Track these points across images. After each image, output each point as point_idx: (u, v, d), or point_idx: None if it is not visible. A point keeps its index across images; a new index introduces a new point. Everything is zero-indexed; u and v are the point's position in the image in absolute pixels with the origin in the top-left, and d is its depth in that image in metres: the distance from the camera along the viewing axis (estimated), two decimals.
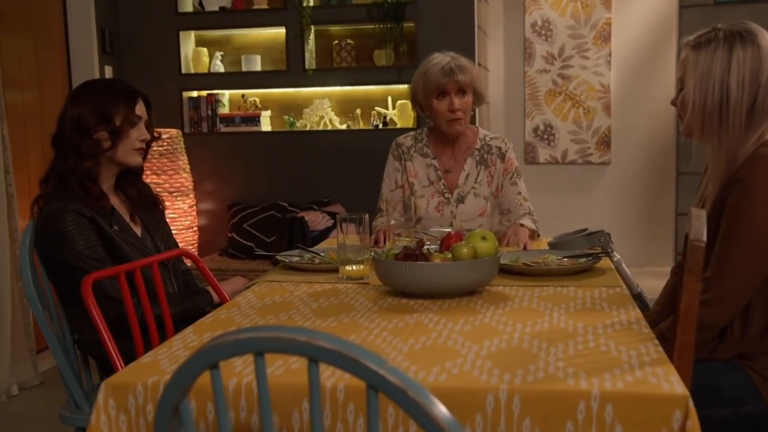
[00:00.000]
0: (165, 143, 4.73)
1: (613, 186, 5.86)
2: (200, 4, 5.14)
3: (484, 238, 1.95)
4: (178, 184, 4.78)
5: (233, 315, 1.81)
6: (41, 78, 4.52)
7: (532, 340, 1.54)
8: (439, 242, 2.14)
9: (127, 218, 2.45)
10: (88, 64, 4.79)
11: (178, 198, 4.78)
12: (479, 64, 4.95)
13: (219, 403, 1.07)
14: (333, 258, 2.35)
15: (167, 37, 5.06)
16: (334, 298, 1.96)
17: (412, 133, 3.14)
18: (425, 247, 2.00)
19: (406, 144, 3.09)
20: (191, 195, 4.89)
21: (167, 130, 4.80)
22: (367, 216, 2.18)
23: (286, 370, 1.38)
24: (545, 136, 5.88)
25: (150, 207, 2.56)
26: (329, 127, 5.01)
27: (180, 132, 4.89)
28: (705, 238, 1.38)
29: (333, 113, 5.02)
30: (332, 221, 4.66)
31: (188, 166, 4.89)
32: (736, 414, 1.89)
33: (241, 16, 5.03)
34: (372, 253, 2.00)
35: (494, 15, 5.86)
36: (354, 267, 2.15)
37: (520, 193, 3.01)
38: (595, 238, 2.39)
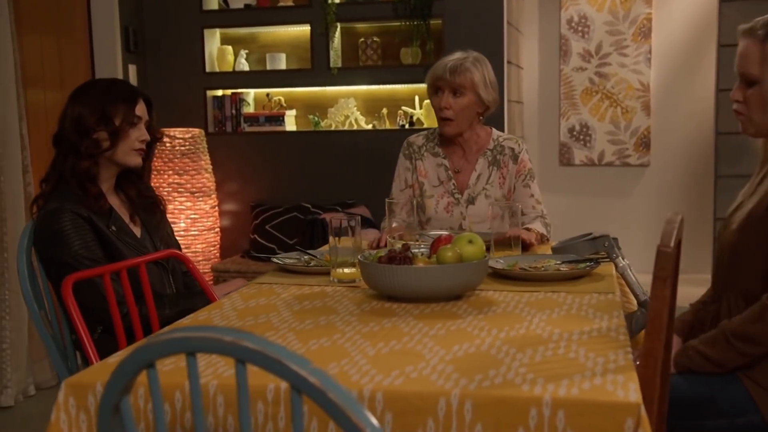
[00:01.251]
0: (187, 143, 4.84)
1: (653, 189, 5.81)
2: (225, 1, 5.24)
3: (470, 241, 1.98)
4: (200, 185, 4.87)
5: (213, 317, 1.87)
6: (64, 77, 4.65)
7: (503, 346, 1.57)
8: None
9: (126, 219, 2.53)
10: (112, 63, 4.91)
11: (200, 198, 4.88)
12: (509, 62, 4.95)
13: (156, 402, 1.12)
14: (329, 260, 2.39)
15: (192, 36, 5.17)
16: (319, 301, 2.01)
17: (424, 132, 3.18)
18: (412, 250, 2.04)
19: (418, 143, 3.13)
20: (213, 195, 4.99)
21: (190, 129, 4.91)
22: (359, 218, 2.22)
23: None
24: (581, 137, 5.86)
25: (150, 208, 2.64)
26: (355, 127, 5.06)
27: (203, 132, 4.99)
28: (673, 244, 1.39)
29: (358, 113, 5.08)
30: None
31: (210, 166, 4.99)
32: (731, 426, 1.89)
33: (266, 13, 5.12)
34: (359, 256, 2.05)
35: (529, 11, 5.86)
36: (345, 270, 2.19)
37: (532, 196, 3.02)
38: (599, 242, 2.40)
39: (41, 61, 4.48)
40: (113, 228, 2.43)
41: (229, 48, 5.26)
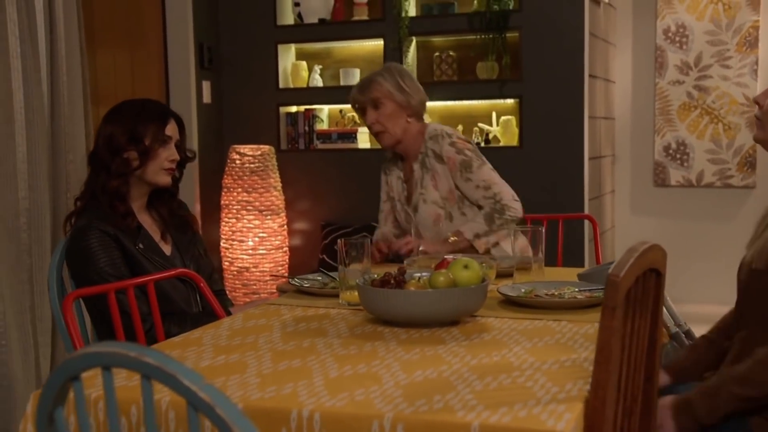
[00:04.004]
0: (256, 160, 5.07)
1: (759, 213, 5.66)
2: (299, 16, 5.46)
3: (465, 266, 2.06)
4: (268, 203, 5.09)
5: (204, 336, 2.03)
6: (137, 94, 4.96)
7: (466, 373, 1.66)
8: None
9: (157, 237, 2.73)
10: (186, 80, 5.20)
11: (268, 217, 5.09)
12: (592, 76, 4.96)
13: (80, 412, 1.27)
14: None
15: (266, 51, 5.41)
16: (316, 323, 2.14)
17: None
18: (413, 274, 2.14)
19: (387, 156, 3.43)
20: (282, 214, 5.19)
21: (260, 146, 5.14)
22: (369, 240, 2.34)
23: None
24: (678, 156, 5.79)
25: (182, 227, 2.83)
26: None
27: (273, 149, 5.21)
28: (623, 274, 1.44)
29: None
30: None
31: (280, 184, 5.19)
32: None
33: (340, 28, 5.31)
34: (358, 280, 2.16)
35: (622, 21, 5.85)
36: (354, 293, 2.31)
37: (478, 186, 3.14)
38: None
39: (114, 78, 4.80)
40: (140, 246, 2.62)
41: (303, 63, 5.47)
